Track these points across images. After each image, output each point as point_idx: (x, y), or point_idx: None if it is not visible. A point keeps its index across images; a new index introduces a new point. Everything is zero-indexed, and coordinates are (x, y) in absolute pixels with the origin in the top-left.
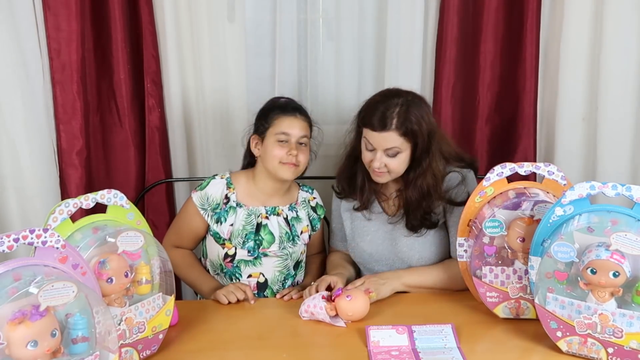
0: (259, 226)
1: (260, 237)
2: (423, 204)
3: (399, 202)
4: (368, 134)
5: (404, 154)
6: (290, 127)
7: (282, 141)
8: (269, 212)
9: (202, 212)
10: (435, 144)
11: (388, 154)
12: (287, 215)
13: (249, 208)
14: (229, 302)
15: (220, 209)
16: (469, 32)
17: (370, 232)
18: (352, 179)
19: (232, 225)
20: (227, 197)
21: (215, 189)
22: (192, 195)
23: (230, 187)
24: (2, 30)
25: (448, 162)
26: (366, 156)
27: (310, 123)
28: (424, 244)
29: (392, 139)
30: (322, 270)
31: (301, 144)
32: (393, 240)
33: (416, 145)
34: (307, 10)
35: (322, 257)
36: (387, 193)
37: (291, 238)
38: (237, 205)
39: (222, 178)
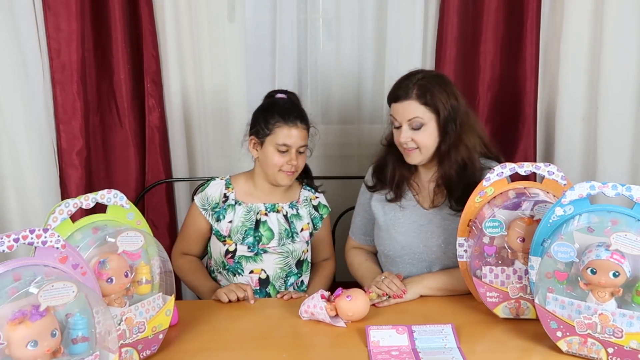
0: (258, 222)
1: (259, 233)
2: (462, 177)
3: (435, 192)
4: (393, 109)
5: (428, 126)
6: (290, 137)
7: (282, 151)
8: (268, 209)
9: (203, 212)
10: (462, 116)
11: (412, 126)
12: (287, 213)
13: (248, 205)
14: (229, 301)
15: (219, 208)
16: (469, 32)
17: (405, 224)
18: (385, 167)
19: (230, 222)
20: (225, 196)
21: (214, 189)
22: (194, 199)
23: (229, 187)
24: (2, 30)
25: (480, 141)
26: (395, 135)
27: (309, 127)
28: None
29: (412, 107)
30: (331, 280)
31: (300, 152)
32: (429, 233)
33: (439, 117)
34: (307, 10)
35: (331, 266)
36: (420, 184)
37: (290, 235)
38: (235, 203)
39: (221, 179)
